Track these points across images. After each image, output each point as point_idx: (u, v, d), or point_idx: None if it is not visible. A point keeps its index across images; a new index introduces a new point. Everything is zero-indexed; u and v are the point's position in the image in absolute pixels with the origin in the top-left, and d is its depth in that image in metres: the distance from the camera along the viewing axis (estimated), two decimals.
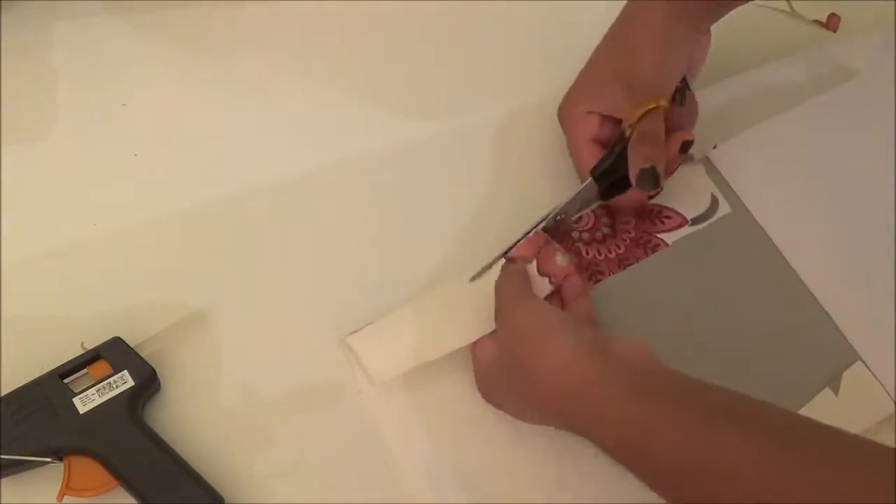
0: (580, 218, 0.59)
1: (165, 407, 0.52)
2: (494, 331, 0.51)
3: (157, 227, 0.57)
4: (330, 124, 0.62)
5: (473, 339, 0.51)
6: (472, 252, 0.56)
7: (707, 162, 0.61)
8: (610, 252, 0.58)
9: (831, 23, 0.68)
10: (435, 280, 0.56)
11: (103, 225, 0.56)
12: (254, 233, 0.57)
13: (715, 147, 0.61)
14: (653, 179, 0.52)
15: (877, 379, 0.53)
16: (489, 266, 0.54)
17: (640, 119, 0.53)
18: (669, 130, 0.54)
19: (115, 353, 0.50)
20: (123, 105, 0.60)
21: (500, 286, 0.51)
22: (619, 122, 0.55)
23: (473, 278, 0.54)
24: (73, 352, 0.51)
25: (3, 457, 0.47)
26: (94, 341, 0.51)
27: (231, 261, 0.56)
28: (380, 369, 0.52)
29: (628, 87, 0.54)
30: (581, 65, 0.58)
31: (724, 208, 0.60)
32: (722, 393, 0.42)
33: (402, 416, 0.52)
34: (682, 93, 0.57)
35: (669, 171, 0.56)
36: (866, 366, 0.54)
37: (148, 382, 0.50)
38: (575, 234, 0.59)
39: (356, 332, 0.53)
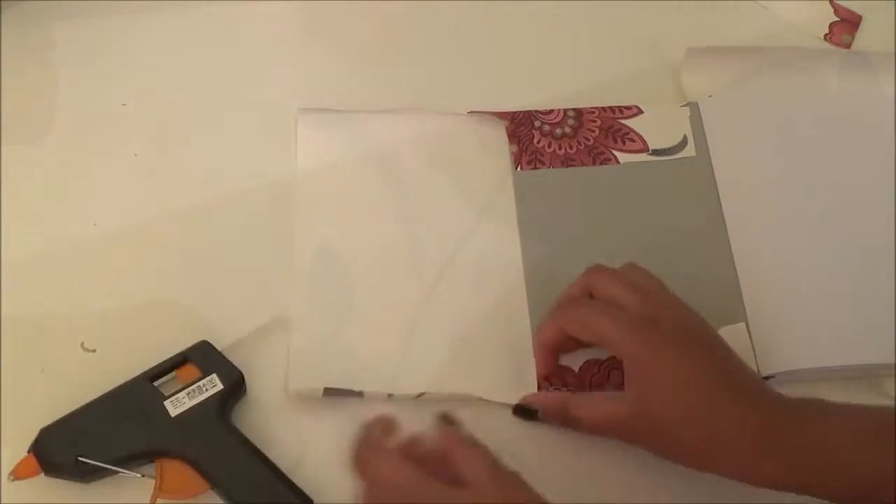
0: (550, 110, 0.60)
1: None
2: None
3: (158, 226, 0.57)
4: None
5: None
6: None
7: (695, 107, 0.62)
8: (560, 149, 0.59)
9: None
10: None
11: (103, 225, 0.56)
12: (255, 232, 0.57)
13: (710, 97, 0.62)
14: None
15: (752, 344, 0.54)
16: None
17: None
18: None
19: (202, 356, 0.51)
20: (123, 105, 0.60)
21: None
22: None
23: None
24: (73, 352, 0.51)
25: (93, 463, 0.47)
26: (94, 341, 0.51)
27: (232, 260, 0.56)
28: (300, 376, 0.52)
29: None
30: None
31: (689, 151, 0.60)
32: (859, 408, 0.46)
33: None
34: None
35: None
36: (748, 330, 0.55)
37: (237, 386, 0.51)
38: (537, 122, 0.60)
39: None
